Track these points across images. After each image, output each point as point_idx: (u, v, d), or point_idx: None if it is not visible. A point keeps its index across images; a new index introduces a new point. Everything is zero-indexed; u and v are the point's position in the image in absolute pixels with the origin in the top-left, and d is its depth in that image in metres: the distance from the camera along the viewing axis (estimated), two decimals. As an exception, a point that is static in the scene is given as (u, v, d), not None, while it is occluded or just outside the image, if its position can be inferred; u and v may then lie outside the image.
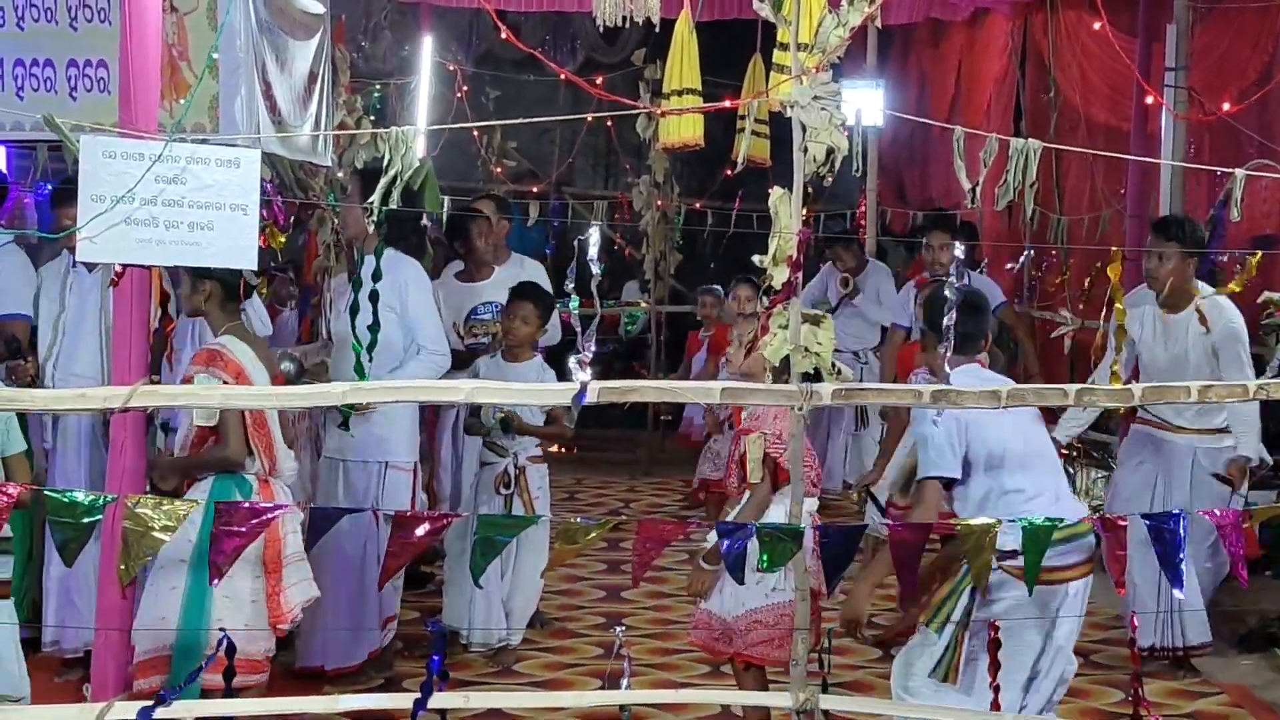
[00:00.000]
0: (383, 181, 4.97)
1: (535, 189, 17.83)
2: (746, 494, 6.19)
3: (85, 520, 4.11)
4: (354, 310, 6.89)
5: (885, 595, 7.25)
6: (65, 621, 7.20)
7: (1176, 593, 4.90)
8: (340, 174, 8.46)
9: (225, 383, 5.76)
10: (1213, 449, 7.58)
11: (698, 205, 16.65)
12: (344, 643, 7.19)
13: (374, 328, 6.87)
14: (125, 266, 4.69)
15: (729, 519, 6.11)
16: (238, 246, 4.68)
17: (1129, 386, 4.77)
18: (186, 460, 6.02)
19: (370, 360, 6.90)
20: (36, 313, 7.48)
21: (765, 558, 4.57)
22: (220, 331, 6.09)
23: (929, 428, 5.56)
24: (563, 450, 14.11)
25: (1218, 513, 5.01)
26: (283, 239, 10.32)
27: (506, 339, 7.88)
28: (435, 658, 4.54)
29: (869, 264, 11.96)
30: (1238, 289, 7.56)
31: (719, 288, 12.41)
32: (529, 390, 5.09)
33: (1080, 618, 5.72)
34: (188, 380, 5.93)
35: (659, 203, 14.05)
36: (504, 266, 8.73)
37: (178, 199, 4.60)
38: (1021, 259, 12.58)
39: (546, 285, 8.45)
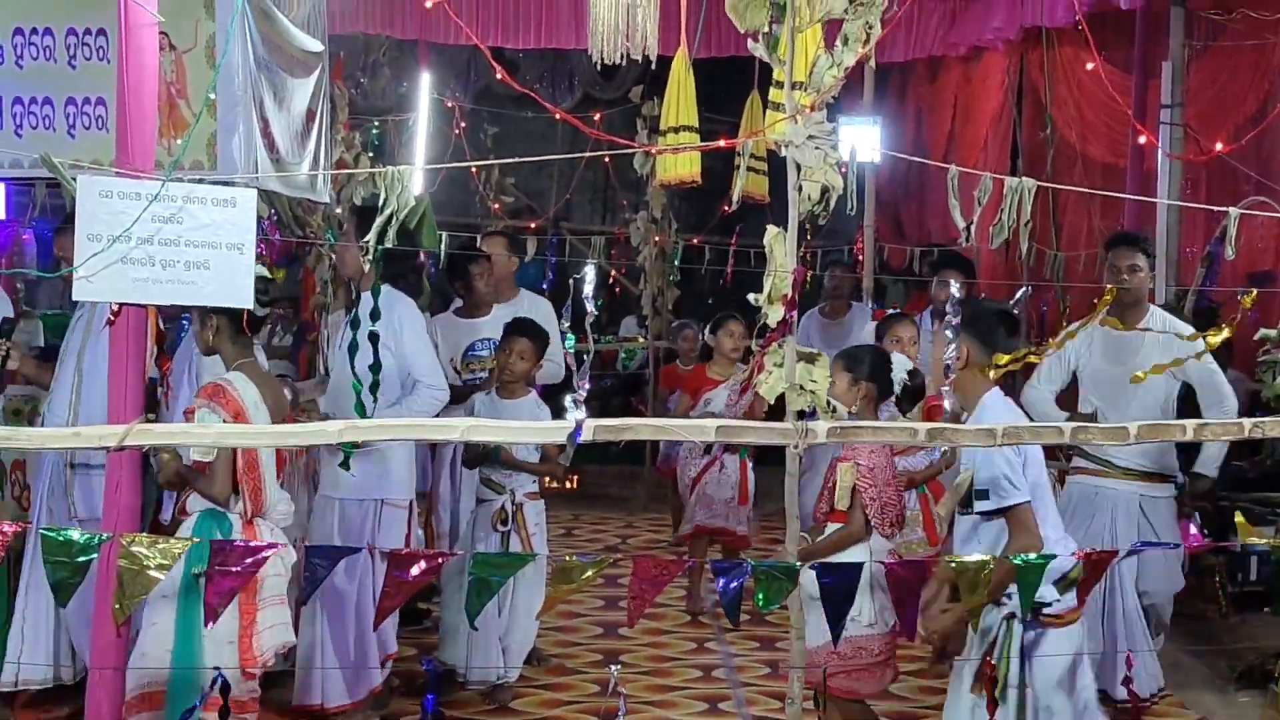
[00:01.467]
0: (379, 220, 4.98)
1: (533, 225, 17.88)
2: (829, 524, 6.26)
3: (80, 559, 4.09)
4: (353, 349, 6.90)
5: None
6: (22, 658, 7.07)
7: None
8: (339, 210, 8.47)
9: (224, 420, 5.76)
10: (1157, 499, 7.46)
11: (695, 241, 16.68)
12: (342, 681, 7.17)
13: (375, 367, 6.89)
14: (122, 306, 4.70)
15: (808, 545, 6.13)
16: (234, 285, 4.69)
17: (1124, 425, 4.73)
18: (186, 471, 5.99)
19: (375, 400, 6.91)
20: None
21: (760, 596, 4.55)
22: (232, 366, 6.08)
23: (998, 454, 5.32)
24: (559, 486, 14.13)
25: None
26: (281, 274, 10.35)
27: (502, 375, 7.88)
28: (430, 696, 4.54)
29: (853, 307, 11.56)
30: (1229, 335, 7.35)
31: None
32: (525, 429, 5.07)
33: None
34: (190, 412, 5.94)
35: (656, 238, 14.08)
36: (508, 303, 8.71)
37: (174, 238, 4.61)
38: (1019, 296, 12.55)
39: (552, 321, 8.47)
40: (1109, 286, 7.57)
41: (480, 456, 7.71)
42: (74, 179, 4.67)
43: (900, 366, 6.74)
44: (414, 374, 7.31)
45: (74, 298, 4.76)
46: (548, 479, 8.23)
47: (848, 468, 6.17)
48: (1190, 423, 5.03)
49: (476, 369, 8.50)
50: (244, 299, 4.79)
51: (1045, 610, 5.25)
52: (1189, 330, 7.33)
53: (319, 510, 7.43)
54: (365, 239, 5.22)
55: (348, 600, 7.12)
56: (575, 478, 14.33)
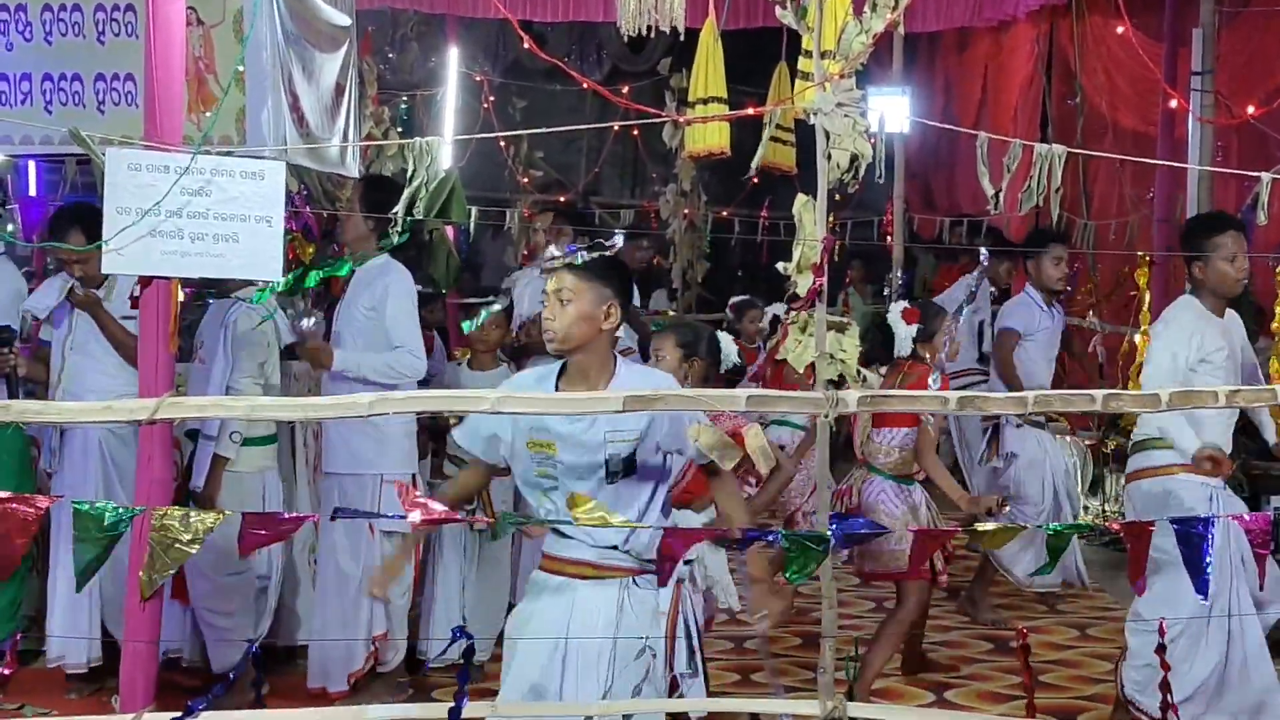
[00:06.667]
0: (407, 190, 4.98)
1: (562, 198, 17.87)
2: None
3: (110, 534, 4.09)
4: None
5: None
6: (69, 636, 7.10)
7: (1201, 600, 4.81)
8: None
9: None
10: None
11: (724, 213, 16.65)
12: (340, 662, 7.11)
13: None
14: (150, 279, 4.71)
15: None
16: (262, 258, 4.70)
17: (1155, 392, 4.69)
18: None
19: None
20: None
21: (791, 568, 4.51)
22: None
23: None
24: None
25: (1247, 517, 4.92)
26: (311, 249, 10.37)
27: (475, 346, 7.80)
28: (462, 669, 4.47)
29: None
30: None
31: (760, 301, 12.38)
32: (558, 400, 5.06)
33: None
34: None
35: (686, 211, 14.06)
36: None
37: (203, 211, 4.61)
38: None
39: None
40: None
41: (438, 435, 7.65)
42: (103, 153, 4.68)
43: (729, 353, 7.15)
44: (394, 341, 7.07)
45: (103, 270, 4.77)
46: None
47: (754, 430, 5.97)
48: (1223, 389, 5.00)
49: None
50: (273, 271, 4.80)
51: None
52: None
53: (325, 489, 7.33)
54: (393, 210, 5.23)
55: (351, 582, 7.04)
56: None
